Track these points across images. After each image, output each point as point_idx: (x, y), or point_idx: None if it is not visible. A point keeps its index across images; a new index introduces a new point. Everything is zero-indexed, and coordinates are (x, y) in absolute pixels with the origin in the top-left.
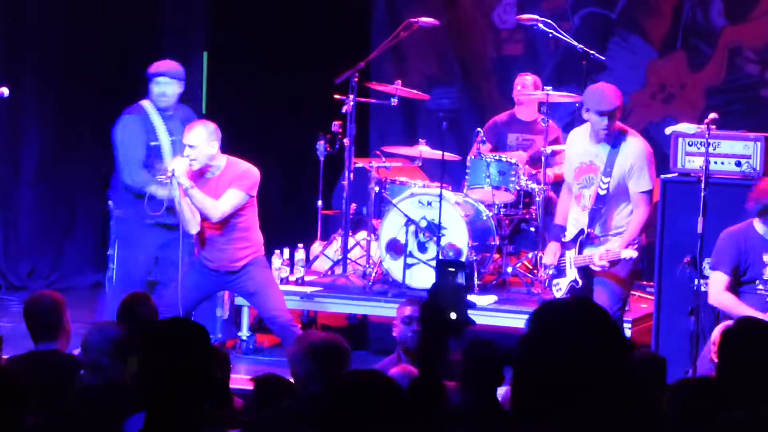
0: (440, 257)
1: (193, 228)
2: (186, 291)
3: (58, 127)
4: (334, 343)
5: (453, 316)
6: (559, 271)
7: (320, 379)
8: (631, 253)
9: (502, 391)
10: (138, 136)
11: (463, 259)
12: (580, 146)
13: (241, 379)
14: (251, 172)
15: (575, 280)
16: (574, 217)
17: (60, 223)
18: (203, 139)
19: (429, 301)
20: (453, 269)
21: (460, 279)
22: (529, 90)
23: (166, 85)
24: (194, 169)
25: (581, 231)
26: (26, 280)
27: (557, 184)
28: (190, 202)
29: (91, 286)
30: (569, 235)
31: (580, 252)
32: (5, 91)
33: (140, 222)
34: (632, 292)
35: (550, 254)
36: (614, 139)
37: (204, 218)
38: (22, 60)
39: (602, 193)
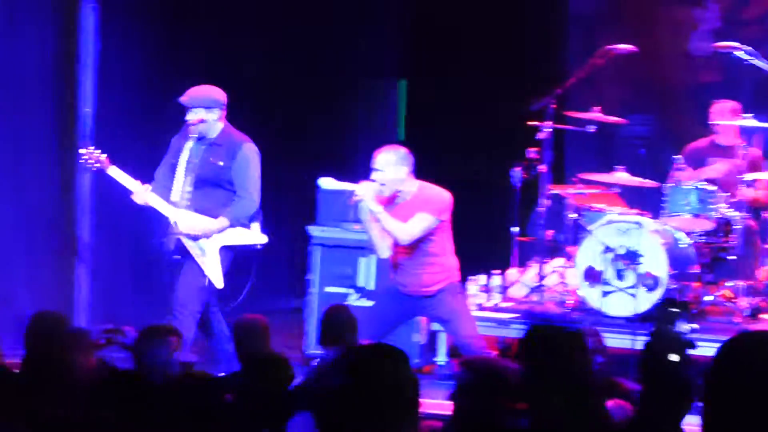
0: (663, 297)
1: (384, 252)
2: (381, 316)
3: (258, 149)
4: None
5: (675, 357)
6: None
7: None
8: None
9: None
10: (169, 153)
11: (661, 287)
12: None
13: (438, 405)
14: (442, 196)
15: None
16: None
17: (262, 246)
18: (391, 163)
19: (652, 344)
20: (676, 310)
21: (683, 321)
22: (727, 117)
23: (190, 113)
24: (385, 194)
25: None
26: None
27: (757, 209)
28: (380, 227)
29: (291, 311)
30: None
31: None
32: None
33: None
34: None
35: None
36: None
37: (396, 243)
38: (221, 83)
39: None
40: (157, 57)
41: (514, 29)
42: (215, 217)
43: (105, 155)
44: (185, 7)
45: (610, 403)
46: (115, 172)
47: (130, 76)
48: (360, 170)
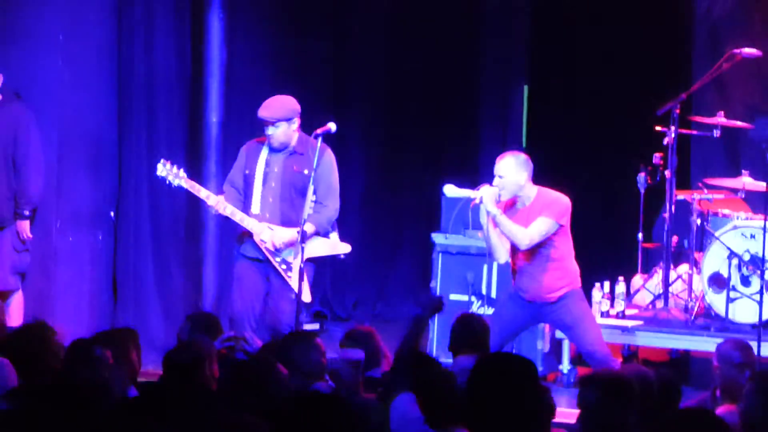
0: None
1: (502, 257)
2: (503, 323)
3: (382, 156)
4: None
5: None
6: None
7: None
8: None
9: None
10: (239, 162)
11: None
12: None
13: (562, 413)
14: (561, 200)
15: None
16: None
17: (385, 253)
18: (512, 168)
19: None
20: None
21: None
22: None
23: (267, 128)
24: (504, 199)
25: None
26: (351, 311)
27: None
28: (499, 231)
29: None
30: None
31: None
32: (333, 126)
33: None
34: None
35: None
36: None
37: (517, 249)
38: (346, 91)
39: None
40: (280, 66)
41: (639, 33)
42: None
43: (181, 169)
44: (307, 17)
45: (720, 410)
46: (190, 185)
47: (255, 84)
48: (484, 176)
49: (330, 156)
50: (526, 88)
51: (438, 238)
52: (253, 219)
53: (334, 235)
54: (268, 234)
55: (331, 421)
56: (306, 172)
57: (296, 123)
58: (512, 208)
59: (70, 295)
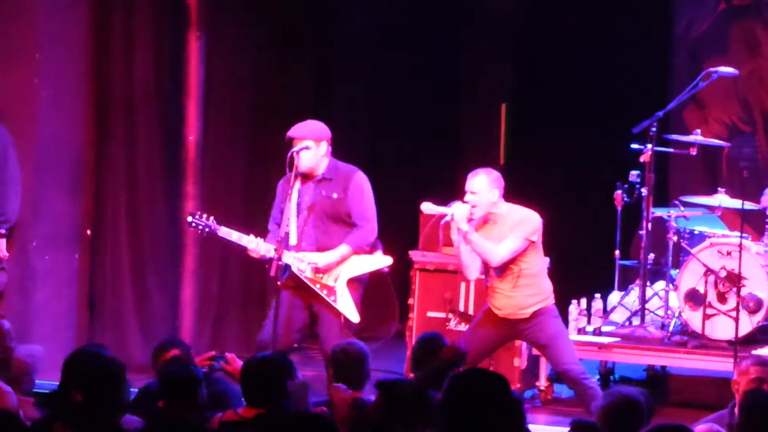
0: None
1: (472, 274)
2: (478, 340)
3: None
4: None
5: None
6: None
7: None
8: None
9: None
10: (276, 200)
11: (763, 310)
12: None
13: (539, 431)
14: (532, 217)
15: None
16: None
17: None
18: (484, 185)
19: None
20: None
21: None
22: None
23: (298, 144)
24: (476, 216)
25: None
26: None
27: None
28: (470, 248)
29: (393, 335)
30: None
31: None
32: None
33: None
34: None
35: None
36: None
37: (489, 266)
38: (327, 110)
39: None
40: (259, 86)
41: (618, 51)
42: None
43: (212, 217)
44: (288, 37)
45: (700, 428)
46: (225, 233)
47: (234, 104)
48: (464, 194)
49: (361, 178)
50: (504, 106)
51: (416, 255)
52: (290, 252)
53: (378, 254)
54: (304, 262)
55: None
56: (335, 196)
57: (324, 147)
58: (484, 225)
59: (47, 315)
